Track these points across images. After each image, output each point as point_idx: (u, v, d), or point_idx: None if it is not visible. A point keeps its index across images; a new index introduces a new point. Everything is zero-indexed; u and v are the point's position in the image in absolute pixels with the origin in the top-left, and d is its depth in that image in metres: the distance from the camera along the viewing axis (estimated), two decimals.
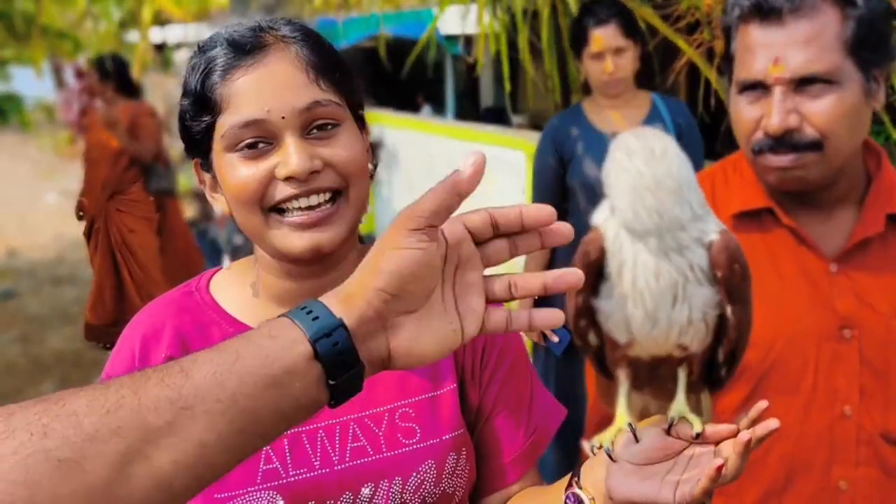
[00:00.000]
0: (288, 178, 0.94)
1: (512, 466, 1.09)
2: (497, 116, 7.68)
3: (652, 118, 2.77)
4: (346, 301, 0.71)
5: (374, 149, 1.08)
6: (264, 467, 0.99)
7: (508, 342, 1.11)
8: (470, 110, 8.35)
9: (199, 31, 9.04)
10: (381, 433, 1.02)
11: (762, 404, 0.89)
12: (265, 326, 0.69)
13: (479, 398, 1.09)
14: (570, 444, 2.97)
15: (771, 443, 1.28)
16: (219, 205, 1.03)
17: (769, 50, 1.20)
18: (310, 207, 0.95)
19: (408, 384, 1.05)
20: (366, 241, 1.08)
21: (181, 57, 11.46)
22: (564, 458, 2.88)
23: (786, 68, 1.19)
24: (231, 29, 1.00)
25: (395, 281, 0.70)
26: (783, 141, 1.21)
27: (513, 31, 4.72)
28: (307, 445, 1.00)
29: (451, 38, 7.05)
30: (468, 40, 5.73)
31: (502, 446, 1.09)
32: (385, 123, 6.85)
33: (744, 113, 1.26)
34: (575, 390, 2.91)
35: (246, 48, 0.96)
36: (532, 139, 2.98)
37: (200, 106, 0.97)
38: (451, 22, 5.84)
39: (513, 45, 4.83)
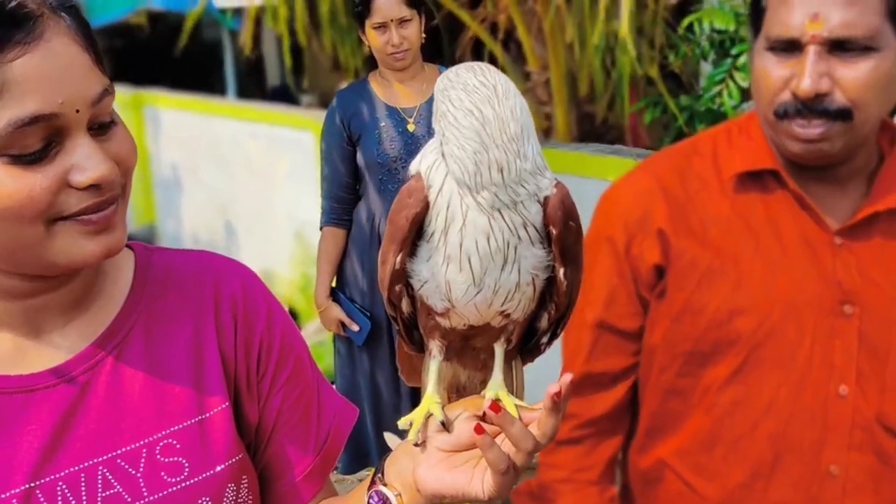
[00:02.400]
0: (88, 187, 0.76)
1: (304, 484, 0.96)
2: (285, 96, 7.44)
3: None
4: None
5: None
6: None
7: (287, 338, 0.97)
8: (255, 90, 8.04)
9: None
10: (139, 474, 0.85)
11: (567, 377, 0.81)
12: None
13: (258, 413, 0.94)
14: (366, 437, 2.90)
15: (760, 419, 1.23)
16: None
17: (807, 5, 1.12)
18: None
19: (167, 409, 0.88)
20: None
21: None
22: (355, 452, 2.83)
23: (824, 26, 1.11)
24: None
25: None
26: (811, 105, 1.14)
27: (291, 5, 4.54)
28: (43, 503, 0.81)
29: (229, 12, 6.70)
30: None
31: (292, 464, 0.95)
32: (161, 104, 6.41)
33: (771, 71, 1.16)
34: (376, 380, 2.82)
35: (14, 17, 0.72)
36: (321, 118, 2.84)
37: None
38: None
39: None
